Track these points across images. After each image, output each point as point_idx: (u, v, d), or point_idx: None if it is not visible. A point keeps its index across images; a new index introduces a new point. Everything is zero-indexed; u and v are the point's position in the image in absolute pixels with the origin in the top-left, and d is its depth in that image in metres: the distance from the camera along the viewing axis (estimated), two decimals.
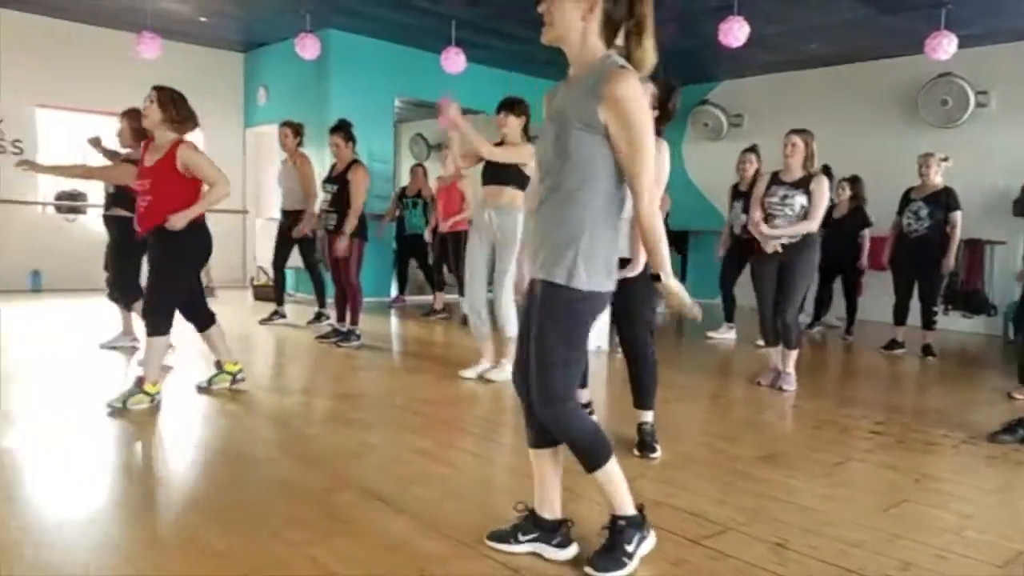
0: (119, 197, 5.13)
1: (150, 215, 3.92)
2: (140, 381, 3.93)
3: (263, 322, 6.96)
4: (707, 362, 6.27)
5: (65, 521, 2.52)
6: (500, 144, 4.76)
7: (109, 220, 5.28)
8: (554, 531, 2.31)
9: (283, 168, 6.96)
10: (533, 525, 2.32)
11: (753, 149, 6.89)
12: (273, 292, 7.17)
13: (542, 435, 2.27)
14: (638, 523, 2.25)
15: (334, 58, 8.86)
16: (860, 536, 2.56)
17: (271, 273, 7.37)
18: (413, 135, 13.86)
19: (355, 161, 6.00)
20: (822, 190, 4.77)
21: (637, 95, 1.96)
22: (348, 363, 5.43)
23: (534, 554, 2.30)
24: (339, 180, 5.97)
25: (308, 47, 8.04)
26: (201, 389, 4.31)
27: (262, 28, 9.15)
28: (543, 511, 2.32)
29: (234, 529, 2.44)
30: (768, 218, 4.87)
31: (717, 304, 7.23)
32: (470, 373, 4.93)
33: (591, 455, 2.18)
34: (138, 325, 5.02)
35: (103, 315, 5.83)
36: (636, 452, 3.38)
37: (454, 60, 8.21)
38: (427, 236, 8.35)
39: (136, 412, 3.81)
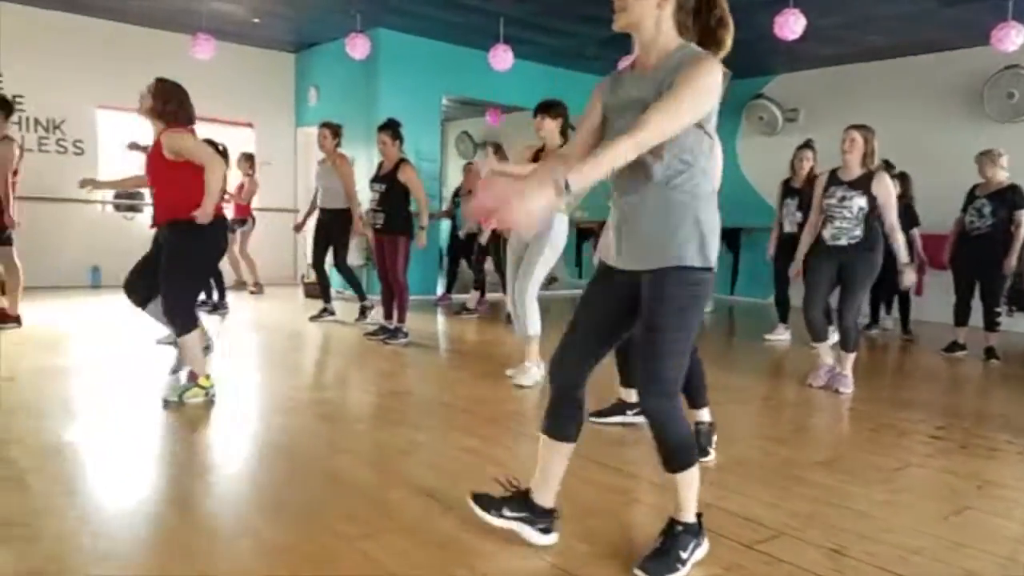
0: None
1: (158, 207, 3.96)
2: (193, 376, 3.99)
3: (312, 319, 7.05)
4: (760, 363, 6.16)
5: (124, 512, 2.58)
6: (540, 151, 4.70)
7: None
8: (543, 517, 2.33)
9: (321, 168, 7.02)
10: (523, 505, 2.32)
11: (809, 145, 6.73)
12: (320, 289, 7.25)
13: (566, 428, 2.27)
14: (695, 530, 2.22)
15: (383, 57, 8.93)
16: (920, 543, 2.48)
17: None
18: (459, 133, 13.92)
19: (403, 160, 6.02)
20: (887, 188, 4.64)
21: (716, 79, 1.91)
22: (395, 360, 5.47)
23: (587, 550, 2.28)
24: (387, 179, 5.98)
25: (358, 47, 8.11)
26: (168, 404, 3.93)
27: (313, 28, 9.27)
28: (539, 497, 2.33)
29: (288, 523, 2.47)
30: (827, 220, 4.76)
31: (770, 305, 7.09)
32: (516, 372, 4.90)
33: (683, 454, 2.15)
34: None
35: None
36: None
37: (502, 57, 8.21)
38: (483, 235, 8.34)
39: (192, 406, 3.88)
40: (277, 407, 4.09)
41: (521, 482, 2.37)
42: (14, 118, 6.14)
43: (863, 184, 4.65)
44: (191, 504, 2.66)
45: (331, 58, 9.70)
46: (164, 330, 5.53)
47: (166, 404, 3.88)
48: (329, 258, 7.06)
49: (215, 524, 2.49)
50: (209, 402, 3.96)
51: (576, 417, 2.28)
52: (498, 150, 8.03)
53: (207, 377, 3.99)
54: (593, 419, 3.60)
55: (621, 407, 3.83)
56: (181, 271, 3.88)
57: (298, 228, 7.68)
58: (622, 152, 1.83)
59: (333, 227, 6.91)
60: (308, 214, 7.33)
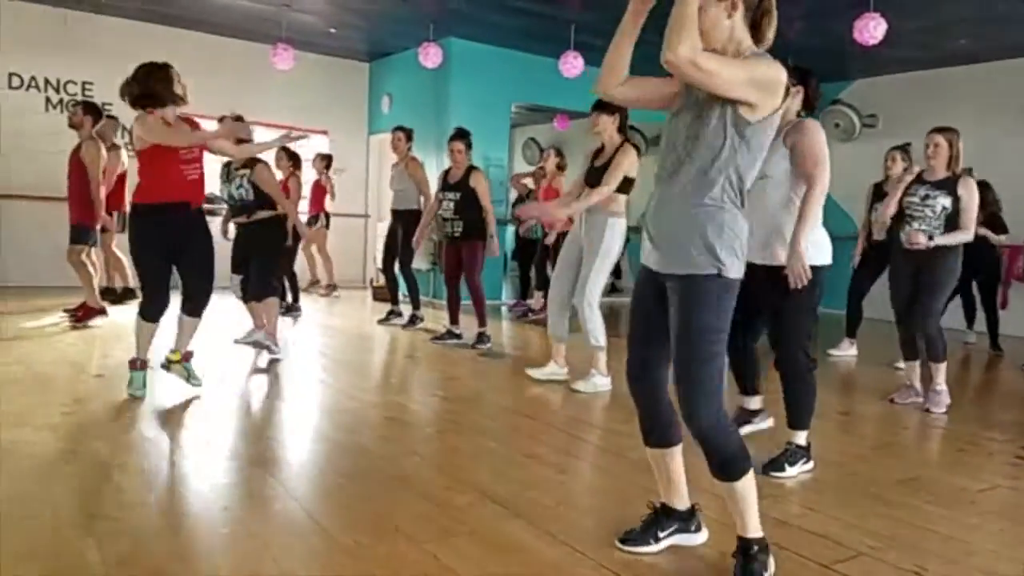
0: (260, 199, 5.29)
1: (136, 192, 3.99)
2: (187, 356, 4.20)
3: (380, 322, 7.15)
4: (830, 378, 5.95)
5: (201, 508, 2.67)
6: (599, 151, 4.64)
7: (254, 224, 5.37)
8: (689, 518, 2.38)
9: (395, 171, 7.09)
10: (669, 519, 2.35)
11: (903, 148, 6.40)
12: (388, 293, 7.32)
13: (665, 435, 2.28)
14: (766, 546, 2.18)
15: (454, 66, 9.03)
16: (1007, 570, 2.37)
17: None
18: (526, 139, 13.94)
19: (473, 167, 6.04)
20: (972, 193, 4.43)
21: (781, 78, 1.98)
22: (460, 364, 5.50)
23: (652, 561, 2.25)
24: (460, 187, 5.97)
25: (431, 56, 8.23)
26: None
27: (387, 38, 9.44)
28: (675, 503, 2.37)
29: (357, 523, 2.51)
30: (906, 219, 4.59)
31: (840, 315, 6.80)
32: (538, 374, 4.88)
33: (735, 462, 2.11)
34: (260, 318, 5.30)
35: (232, 311, 6.10)
36: (760, 470, 3.23)
37: (572, 64, 8.20)
38: (551, 238, 8.32)
39: (263, 406, 3.97)
40: (343, 407, 4.16)
41: (655, 501, 2.40)
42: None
43: (949, 185, 4.46)
44: (263, 500, 2.73)
45: (404, 67, 9.86)
46: (242, 330, 5.72)
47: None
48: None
49: (291, 523, 2.54)
50: (279, 399, 4.08)
51: (671, 421, 2.28)
52: (559, 154, 8.02)
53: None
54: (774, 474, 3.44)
55: (745, 416, 3.72)
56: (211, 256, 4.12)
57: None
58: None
59: (404, 229, 6.99)
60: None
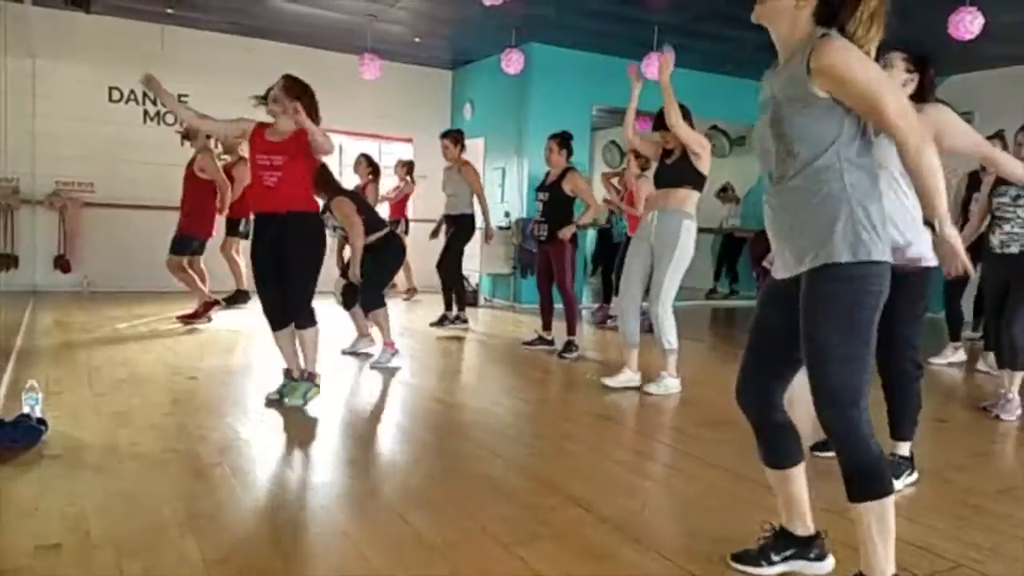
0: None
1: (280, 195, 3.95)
2: (311, 375, 4.09)
3: (433, 324, 7.01)
4: (929, 383, 5.70)
5: (296, 506, 2.78)
6: (670, 152, 4.62)
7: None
8: (810, 545, 2.21)
9: (446, 175, 7.12)
10: (787, 543, 2.21)
11: (999, 135, 6.09)
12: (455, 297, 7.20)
13: (782, 455, 2.15)
14: None
15: (535, 71, 9.07)
16: None
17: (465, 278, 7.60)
18: (607, 143, 13.88)
19: (569, 168, 5.92)
20: None
21: (845, 55, 1.84)
22: (542, 368, 5.53)
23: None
24: (551, 188, 5.92)
25: (513, 62, 8.28)
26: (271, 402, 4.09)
27: (470, 46, 9.56)
28: (795, 528, 2.20)
29: (444, 522, 2.56)
30: (996, 221, 4.37)
31: (940, 319, 6.47)
32: (612, 382, 4.75)
33: (869, 479, 1.92)
34: (373, 330, 5.41)
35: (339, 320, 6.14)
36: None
37: (655, 65, 8.11)
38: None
39: (352, 408, 4.08)
40: (431, 409, 4.25)
41: (773, 523, 2.26)
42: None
43: None
44: (354, 500, 2.82)
45: (486, 73, 9.97)
46: (347, 340, 5.77)
47: (270, 400, 4.05)
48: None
49: (377, 521, 2.61)
50: (333, 421, 3.94)
51: (789, 441, 2.15)
52: (638, 157, 7.94)
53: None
54: (817, 453, 3.34)
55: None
56: (315, 267, 4.08)
57: (434, 234, 7.72)
58: (927, 163, 1.84)
59: (455, 232, 7.00)
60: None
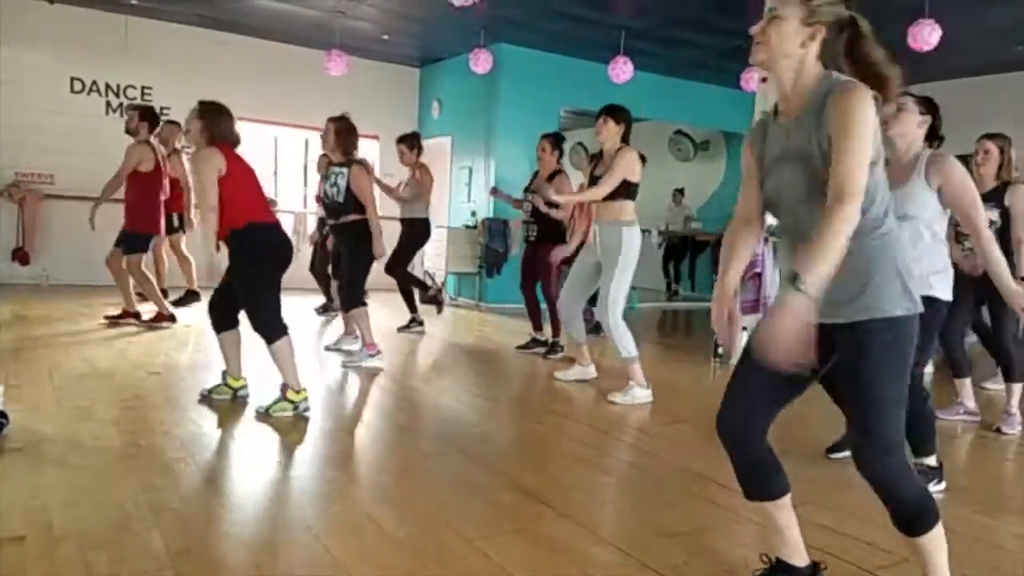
0: (348, 203, 5.22)
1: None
2: (284, 388, 3.85)
3: (400, 330, 6.86)
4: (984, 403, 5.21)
5: (260, 502, 2.80)
6: (599, 161, 4.70)
7: (341, 228, 5.30)
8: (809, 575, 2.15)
9: (409, 179, 6.93)
10: (785, 574, 2.13)
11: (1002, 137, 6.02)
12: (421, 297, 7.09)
13: (765, 487, 2.05)
14: None
15: (504, 71, 9.13)
16: None
17: (433, 279, 7.60)
18: (574, 144, 13.98)
19: (560, 171, 5.84)
20: (1020, 200, 4.21)
21: (866, 110, 1.75)
22: (516, 369, 5.58)
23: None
24: (538, 191, 5.76)
25: (481, 61, 8.33)
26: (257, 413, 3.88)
27: (438, 44, 9.59)
28: (792, 559, 2.12)
29: (411, 517, 2.61)
30: (958, 237, 4.45)
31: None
32: (563, 376, 5.07)
33: (922, 515, 1.90)
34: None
35: (310, 316, 6.06)
36: None
37: (622, 69, 8.23)
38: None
39: (319, 404, 4.10)
40: (403, 408, 4.29)
41: (770, 555, 2.15)
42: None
43: (996, 196, 4.27)
44: (318, 496, 2.85)
45: (454, 72, 10.00)
46: (331, 337, 5.67)
47: (256, 415, 3.83)
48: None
49: (342, 515, 2.65)
50: (299, 416, 3.83)
51: (771, 473, 2.05)
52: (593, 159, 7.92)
53: (297, 392, 3.86)
54: (831, 455, 3.38)
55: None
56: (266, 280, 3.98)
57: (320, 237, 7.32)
58: (840, 230, 1.69)
59: (407, 234, 6.84)
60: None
